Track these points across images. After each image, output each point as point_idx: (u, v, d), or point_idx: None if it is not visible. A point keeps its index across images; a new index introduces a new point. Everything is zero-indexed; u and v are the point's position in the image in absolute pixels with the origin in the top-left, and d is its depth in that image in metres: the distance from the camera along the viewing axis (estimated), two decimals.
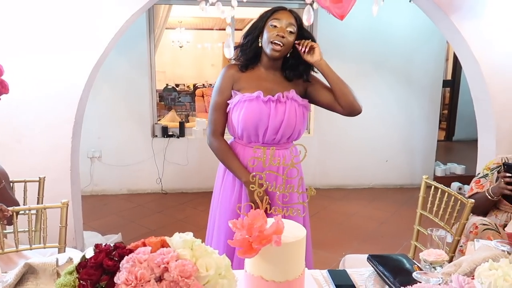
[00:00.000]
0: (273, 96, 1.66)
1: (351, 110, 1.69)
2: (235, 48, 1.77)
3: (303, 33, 1.70)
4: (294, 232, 1.11)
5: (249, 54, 1.71)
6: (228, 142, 1.80)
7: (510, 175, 1.91)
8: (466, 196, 2.15)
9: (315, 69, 1.74)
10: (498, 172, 2.10)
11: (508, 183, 1.92)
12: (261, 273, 1.07)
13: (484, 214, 2.10)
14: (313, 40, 1.70)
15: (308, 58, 1.66)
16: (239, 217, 1.68)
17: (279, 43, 1.62)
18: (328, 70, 1.68)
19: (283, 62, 1.74)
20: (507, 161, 2.04)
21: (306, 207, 1.37)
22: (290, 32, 1.64)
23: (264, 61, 1.72)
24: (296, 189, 1.24)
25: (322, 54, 1.66)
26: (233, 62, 1.79)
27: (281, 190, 1.25)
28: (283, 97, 1.68)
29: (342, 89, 1.68)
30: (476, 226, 1.97)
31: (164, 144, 4.52)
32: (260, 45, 1.69)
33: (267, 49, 1.65)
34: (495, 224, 2.01)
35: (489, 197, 2.01)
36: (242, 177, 1.67)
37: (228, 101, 1.72)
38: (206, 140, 1.78)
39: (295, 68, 1.72)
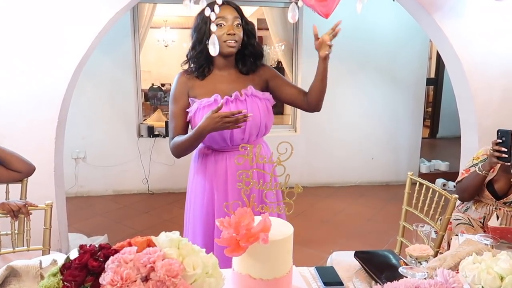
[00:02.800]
0: (230, 97, 1.65)
1: (317, 107, 1.76)
2: (186, 61, 1.74)
3: (246, 22, 1.69)
4: (281, 229, 1.11)
5: (201, 61, 1.68)
6: (198, 148, 1.77)
7: (500, 141, 1.92)
8: (456, 182, 2.17)
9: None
10: None
11: (496, 150, 1.92)
12: (249, 271, 1.07)
13: (471, 197, 2.10)
14: (253, 26, 1.72)
15: (321, 49, 1.65)
16: (212, 219, 1.70)
17: (232, 40, 1.62)
18: (327, 68, 1.70)
19: (236, 57, 1.72)
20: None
21: (291, 205, 1.37)
22: (237, 25, 1.64)
23: (217, 62, 1.70)
24: (281, 186, 1.25)
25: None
26: (185, 68, 1.76)
27: (268, 188, 1.25)
28: (241, 95, 1.66)
29: (324, 88, 1.71)
30: (451, 222, 2.01)
31: (150, 144, 4.48)
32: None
33: (223, 48, 1.62)
34: (468, 218, 2.05)
35: (478, 171, 2.00)
36: (202, 128, 1.55)
37: (186, 109, 1.70)
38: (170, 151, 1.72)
39: (247, 59, 1.72)
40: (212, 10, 1.59)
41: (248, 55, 1.71)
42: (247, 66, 1.72)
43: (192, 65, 1.72)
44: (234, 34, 1.61)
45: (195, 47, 1.68)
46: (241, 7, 1.70)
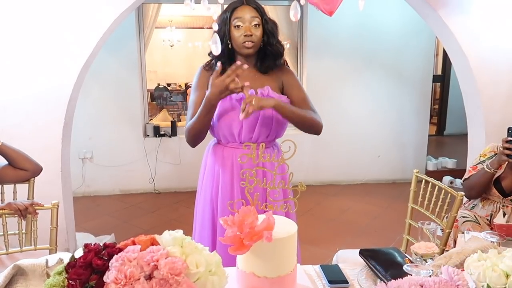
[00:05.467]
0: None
1: (310, 133, 1.76)
2: (212, 59, 1.75)
3: (266, 21, 1.66)
4: (285, 227, 1.11)
5: (222, 60, 1.67)
6: (210, 142, 1.82)
7: (511, 138, 1.89)
8: (463, 179, 2.15)
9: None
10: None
11: (507, 148, 1.90)
12: (253, 269, 1.07)
13: (479, 194, 2.09)
14: (275, 25, 1.68)
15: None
16: (217, 214, 1.69)
17: (249, 42, 1.62)
18: (283, 109, 1.62)
19: (257, 55, 1.72)
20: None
21: (295, 203, 1.37)
22: (255, 25, 1.63)
23: (238, 59, 1.70)
24: (286, 184, 1.25)
25: (263, 100, 1.57)
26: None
27: (272, 186, 1.25)
28: (256, 94, 1.65)
29: (299, 122, 1.69)
30: (457, 220, 1.99)
31: (156, 143, 4.50)
32: (230, 47, 1.67)
33: (241, 49, 1.65)
34: (475, 216, 2.03)
35: (487, 169, 1.99)
36: (209, 97, 1.55)
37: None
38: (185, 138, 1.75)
39: (267, 58, 1.71)
40: (232, 10, 1.60)
41: (268, 54, 1.71)
42: (266, 65, 1.72)
43: (214, 62, 1.73)
44: (251, 35, 1.61)
45: None
46: None
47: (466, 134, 3.17)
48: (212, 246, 1.72)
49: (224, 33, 1.65)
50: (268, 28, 1.67)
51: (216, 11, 1.18)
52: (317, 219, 3.78)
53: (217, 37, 1.14)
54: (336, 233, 3.49)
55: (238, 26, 1.62)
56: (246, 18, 1.62)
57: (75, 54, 2.52)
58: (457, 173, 4.68)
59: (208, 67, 1.75)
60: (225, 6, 1.70)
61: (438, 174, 4.74)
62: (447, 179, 4.69)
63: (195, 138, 1.69)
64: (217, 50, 1.14)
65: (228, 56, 1.68)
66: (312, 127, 1.73)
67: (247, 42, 1.62)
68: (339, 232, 3.51)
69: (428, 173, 4.82)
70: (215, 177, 1.75)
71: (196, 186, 1.89)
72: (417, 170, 2.14)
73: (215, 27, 1.22)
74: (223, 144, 1.75)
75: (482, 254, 1.04)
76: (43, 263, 1.11)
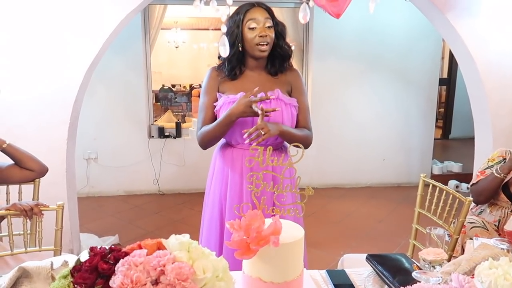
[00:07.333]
0: (255, 97, 1.64)
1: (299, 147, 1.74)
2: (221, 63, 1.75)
3: (276, 23, 1.68)
4: (292, 232, 1.10)
5: (233, 63, 1.70)
6: (219, 144, 1.81)
7: None
8: (470, 184, 2.13)
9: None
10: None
11: None
12: (260, 274, 1.06)
13: (487, 200, 2.06)
14: (284, 27, 1.69)
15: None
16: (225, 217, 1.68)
17: (264, 43, 1.63)
18: (285, 136, 1.65)
19: (267, 58, 1.73)
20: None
21: (302, 207, 1.36)
22: (269, 27, 1.64)
23: (249, 63, 1.72)
24: (294, 188, 1.23)
25: (272, 125, 1.56)
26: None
27: (278, 190, 1.23)
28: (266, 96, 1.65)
29: (295, 143, 1.68)
30: (464, 225, 1.97)
31: (160, 144, 4.50)
32: (240, 49, 1.67)
33: (255, 51, 1.65)
34: (483, 222, 2.01)
35: (496, 174, 1.97)
36: (231, 111, 1.58)
37: (214, 103, 1.72)
38: (197, 141, 1.75)
39: (276, 60, 1.72)
40: (245, 12, 1.59)
41: (277, 56, 1.72)
42: (275, 67, 1.73)
43: (224, 65, 1.73)
44: (266, 36, 1.62)
45: None
46: None
47: (472, 138, 3.15)
48: (219, 248, 1.70)
49: (237, 36, 1.64)
50: (279, 30, 1.68)
51: (224, 12, 1.17)
52: (322, 222, 3.76)
53: (225, 39, 1.13)
54: (340, 237, 3.47)
55: (252, 28, 1.62)
56: (260, 20, 1.63)
57: (81, 55, 2.52)
58: (463, 177, 4.65)
59: (220, 70, 1.76)
60: (233, 8, 1.69)
61: (443, 178, 4.71)
62: (452, 183, 4.66)
63: (208, 143, 1.71)
64: (225, 52, 1.13)
65: (237, 59, 1.69)
66: (304, 145, 1.74)
67: (262, 44, 1.63)
68: (344, 236, 3.49)
69: (434, 177, 4.78)
70: (224, 178, 1.75)
71: (200, 187, 1.89)
72: (424, 175, 2.12)
73: (224, 29, 1.21)
74: (233, 145, 1.74)
75: (493, 262, 1.02)
76: (48, 266, 1.11)
